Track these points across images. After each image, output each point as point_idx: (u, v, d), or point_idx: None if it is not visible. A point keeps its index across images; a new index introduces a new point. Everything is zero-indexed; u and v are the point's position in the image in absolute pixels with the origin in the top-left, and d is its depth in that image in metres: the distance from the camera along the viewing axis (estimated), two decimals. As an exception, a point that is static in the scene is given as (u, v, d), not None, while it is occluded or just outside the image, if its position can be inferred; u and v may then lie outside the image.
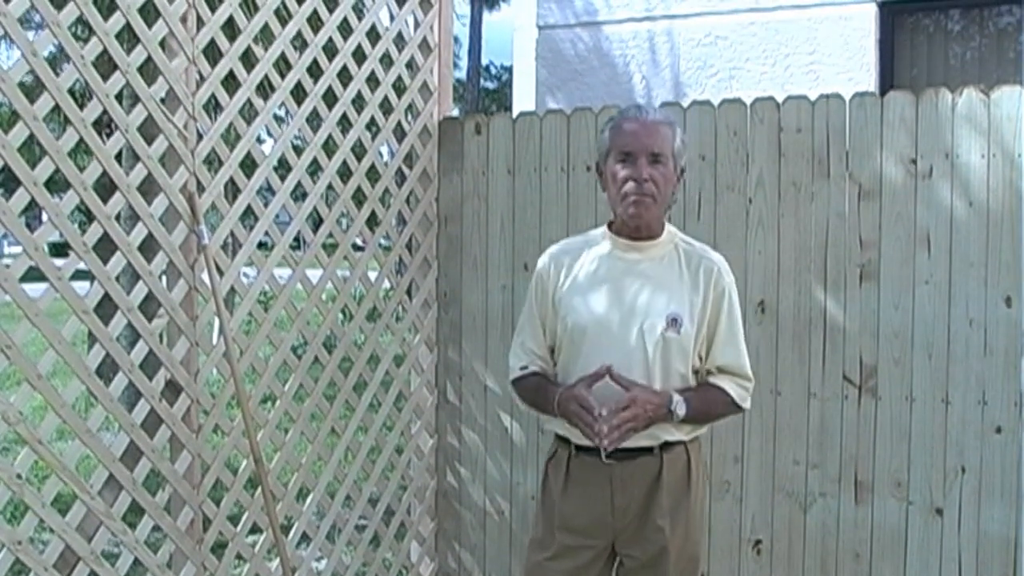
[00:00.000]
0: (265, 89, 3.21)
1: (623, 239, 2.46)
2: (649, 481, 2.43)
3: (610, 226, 2.53)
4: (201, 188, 2.99)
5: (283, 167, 3.31)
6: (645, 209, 2.38)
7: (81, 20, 2.63)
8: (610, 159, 2.42)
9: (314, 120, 3.38)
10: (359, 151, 3.59)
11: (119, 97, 2.77)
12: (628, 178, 2.38)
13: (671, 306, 2.39)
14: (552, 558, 2.49)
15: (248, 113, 3.18)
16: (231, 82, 3.06)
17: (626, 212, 2.40)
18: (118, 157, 2.87)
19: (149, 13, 2.78)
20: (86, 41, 2.66)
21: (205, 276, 2.98)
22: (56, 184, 2.69)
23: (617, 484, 2.43)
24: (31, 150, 2.59)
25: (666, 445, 2.44)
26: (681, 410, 2.37)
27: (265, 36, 3.18)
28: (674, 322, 2.37)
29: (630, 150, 2.37)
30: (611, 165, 2.41)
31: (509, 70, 9.20)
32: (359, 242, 3.78)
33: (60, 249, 2.81)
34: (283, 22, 3.24)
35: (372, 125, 3.65)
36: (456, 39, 12.79)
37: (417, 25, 3.83)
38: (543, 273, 2.55)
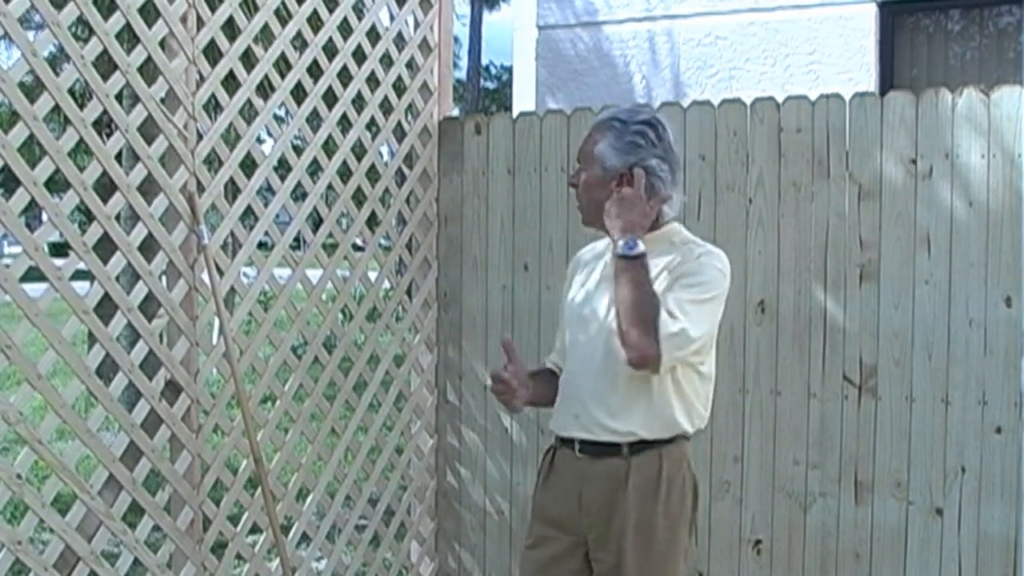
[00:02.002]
0: (265, 89, 3.21)
1: None
2: (615, 483, 2.37)
3: None
4: (201, 188, 2.99)
5: (283, 167, 3.31)
6: (580, 211, 2.49)
7: (81, 20, 2.63)
8: None
9: (314, 120, 3.38)
10: (359, 151, 3.59)
11: (119, 97, 2.77)
12: None
13: None
14: (531, 546, 2.53)
15: (248, 113, 3.18)
16: (231, 82, 3.06)
17: None
18: (118, 157, 2.87)
19: (149, 13, 2.78)
20: (86, 41, 2.66)
21: (205, 276, 2.98)
22: (56, 184, 2.69)
23: (585, 480, 2.42)
24: (31, 150, 2.59)
25: (637, 446, 2.36)
26: (637, 248, 2.25)
27: (265, 36, 3.18)
28: None
29: None
30: None
31: (509, 70, 9.18)
32: (359, 242, 3.79)
33: (60, 249, 2.81)
34: (283, 22, 3.24)
35: (372, 125, 3.65)
36: (456, 39, 12.78)
37: (417, 25, 3.83)
38: (568, 276, 2.65)
